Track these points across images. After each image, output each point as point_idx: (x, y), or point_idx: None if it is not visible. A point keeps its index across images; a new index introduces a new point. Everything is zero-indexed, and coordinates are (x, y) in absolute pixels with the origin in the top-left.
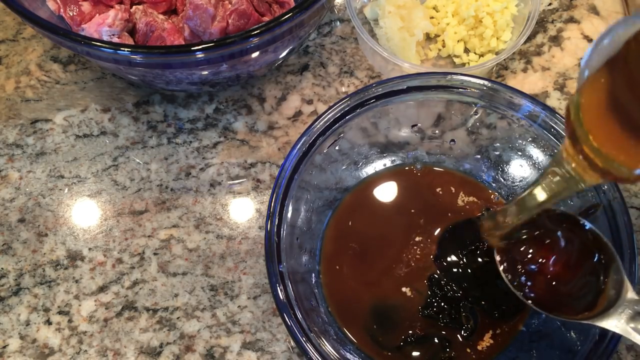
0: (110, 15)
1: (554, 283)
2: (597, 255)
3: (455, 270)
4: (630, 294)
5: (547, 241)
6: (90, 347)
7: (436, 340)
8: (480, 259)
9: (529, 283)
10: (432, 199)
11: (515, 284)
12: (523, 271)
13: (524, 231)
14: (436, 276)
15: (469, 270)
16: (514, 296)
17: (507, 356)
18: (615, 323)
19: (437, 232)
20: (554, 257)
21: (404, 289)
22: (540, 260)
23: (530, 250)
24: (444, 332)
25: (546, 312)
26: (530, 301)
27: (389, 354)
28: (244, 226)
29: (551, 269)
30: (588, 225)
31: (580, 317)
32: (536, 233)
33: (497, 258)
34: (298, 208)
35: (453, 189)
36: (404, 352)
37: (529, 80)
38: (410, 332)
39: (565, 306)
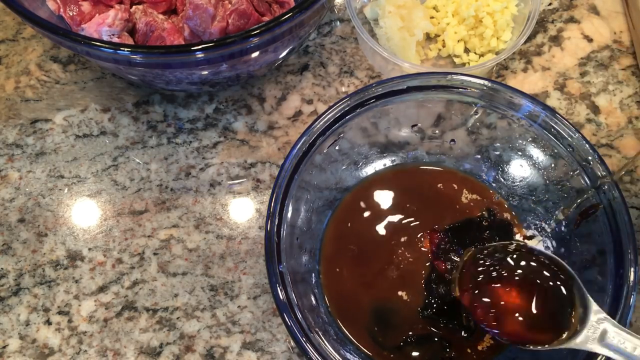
0: (110, 15)
1: (522, 317)
2: (557, 277)
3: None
4: (595, 307)
5: (505, 280)
6: (90, 347)
7: (436, 340)
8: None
9: (497, 323)
10: (432, 199)
11: (484, 325)
12: (489, 313)
13: (481, 274)
14: (436, 277)
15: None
16: None
17: (507, 356)
18: (588, 342)
19: (437, 232)
20: (516, 292)
21: (403, 290)
22: (502, 300)
23: (491, 292)
24: (444, 333)
25: (523, 346)
26: (505, 339)
27: (389, 354)
28: (244, 226)
29: (515, 304)
30: (540, 250)
31: (557, 343)
32: (493, 273)
33: (463, 306)
34: (298, 208)
35: (453, 189)
36: (404, 352)
37: (529, 80)
38: (410, 332)
39: (541, 334)
